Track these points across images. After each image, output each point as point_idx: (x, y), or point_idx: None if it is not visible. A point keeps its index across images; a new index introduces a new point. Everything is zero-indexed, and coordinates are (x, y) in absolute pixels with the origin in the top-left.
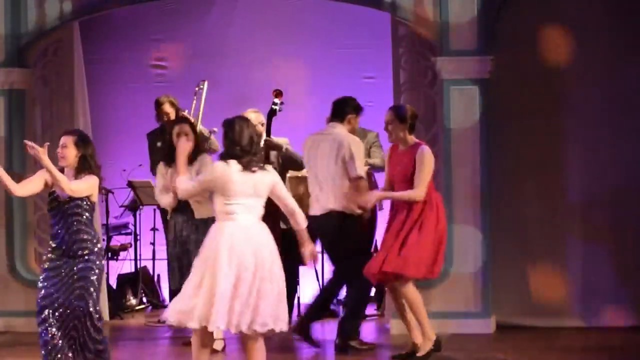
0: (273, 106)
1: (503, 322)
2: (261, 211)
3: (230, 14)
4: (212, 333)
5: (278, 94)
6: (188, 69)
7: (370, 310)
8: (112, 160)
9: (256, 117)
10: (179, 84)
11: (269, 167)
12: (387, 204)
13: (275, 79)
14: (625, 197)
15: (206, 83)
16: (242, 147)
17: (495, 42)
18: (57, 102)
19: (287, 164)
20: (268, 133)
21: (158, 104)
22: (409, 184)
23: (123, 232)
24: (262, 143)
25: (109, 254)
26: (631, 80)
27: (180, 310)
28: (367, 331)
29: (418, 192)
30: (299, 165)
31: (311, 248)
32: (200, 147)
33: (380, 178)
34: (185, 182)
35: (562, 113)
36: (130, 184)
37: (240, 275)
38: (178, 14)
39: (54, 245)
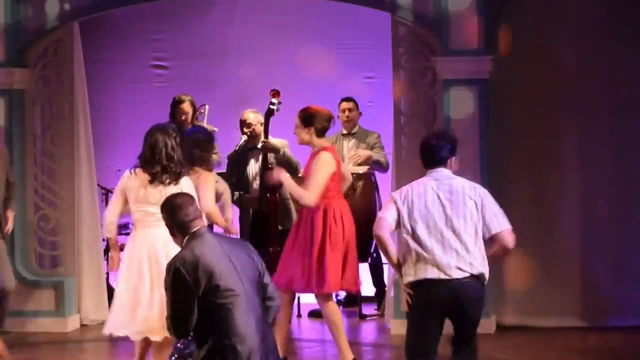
0: (270, 106)
1: (503, 322)
2: None
3: (231, 13)
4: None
5: (275, 93)
6: (188, 69)
7: (370, 310)
8: (112, 160)
9: (255, 117)
10: (179, 84)
11: (184, 181)
12: None
13: (275, 79)
14: (625, 197)
15: (207, 107)
16: (153, 159)
17: (495, 42)
18: (57, 102)
19: (283, 167)
20: (266, 133)
21: (177, 102)
22: None
23: (123, 232)
24: (260, 145)
25: (109, 253)
26: (632, 80)
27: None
28: (367, 331)
29: (308, 197)
30: (294, 170)
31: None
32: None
33: (382, 178)
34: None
35: (562, 113)
36: None
37: (140, 283)
38: (178, 14)
39: None
